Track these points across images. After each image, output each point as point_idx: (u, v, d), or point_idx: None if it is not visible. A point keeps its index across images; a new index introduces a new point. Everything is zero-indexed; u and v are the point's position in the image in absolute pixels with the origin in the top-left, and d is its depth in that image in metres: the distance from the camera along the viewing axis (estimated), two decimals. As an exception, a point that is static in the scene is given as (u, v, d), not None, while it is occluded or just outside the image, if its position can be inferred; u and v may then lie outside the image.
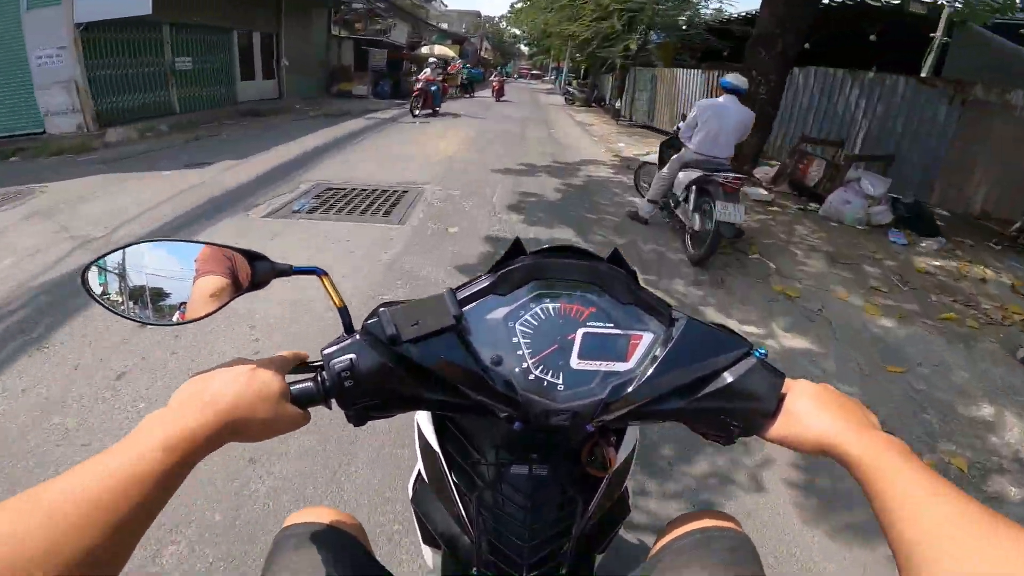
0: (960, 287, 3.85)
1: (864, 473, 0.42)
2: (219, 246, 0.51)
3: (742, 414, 0.51)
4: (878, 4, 7.32)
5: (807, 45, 6.39)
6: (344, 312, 0.54)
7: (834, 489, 1.82)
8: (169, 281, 0.51)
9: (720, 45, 11.76)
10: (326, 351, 0.51)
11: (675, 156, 4.32)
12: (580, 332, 0.53)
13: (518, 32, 26.12)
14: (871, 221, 5.13)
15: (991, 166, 5.72)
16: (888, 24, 7.68)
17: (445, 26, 35.85)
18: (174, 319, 0.51)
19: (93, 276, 0.50)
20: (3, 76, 6.66)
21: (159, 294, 0.51)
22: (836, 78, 7.29)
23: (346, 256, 3.60)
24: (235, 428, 0.44)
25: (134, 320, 0.51)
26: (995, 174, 5.74)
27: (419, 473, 0.74)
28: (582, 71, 26.91)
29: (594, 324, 0.54)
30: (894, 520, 0.38)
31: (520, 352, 0.53)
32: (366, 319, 0.52)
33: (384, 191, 5.28)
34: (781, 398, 0.51)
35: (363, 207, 4.75)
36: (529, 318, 0.54)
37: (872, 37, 7.84)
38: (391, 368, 0.50)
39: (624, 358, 0.53)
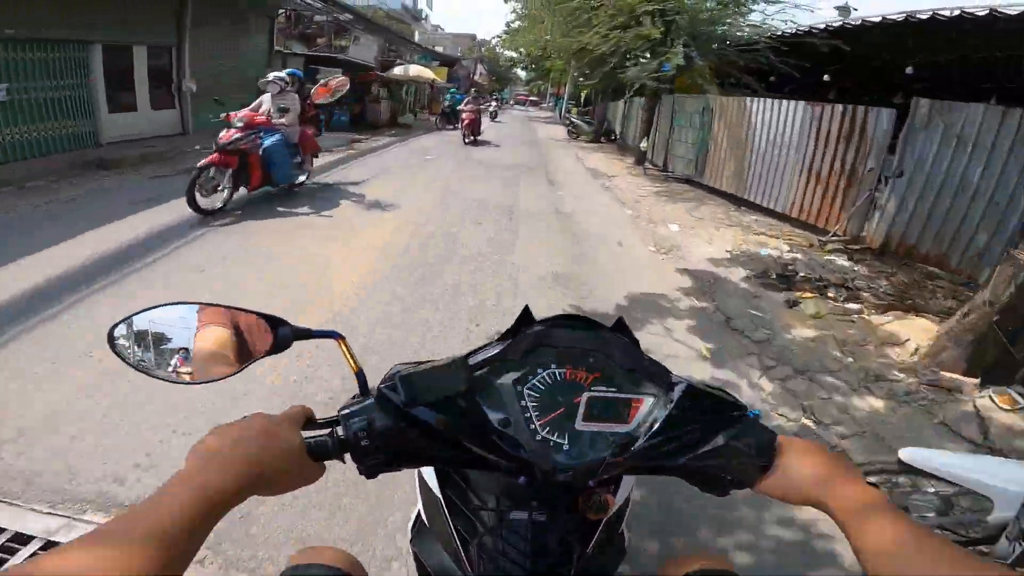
0: None
1: (845, 522, 0.46)
2: (243, 311, 0.56)
3: (737, 470, 0.55)
4: None
5: None
6: (360, 375, 0.57)
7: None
8: (192, 342, 0.55)
9: (786, 67, 8.14)
10: (344, 411, 0.54)
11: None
12: (585, 396, 0.57)
13: (515, 55, 22.50)
14: None
15: None
16: None
17: (441, 49, 32.78)
18: (204, 378, 0.55)
19: (121, 333, 0.54)
20: None
21: (180, 352, 0.55)
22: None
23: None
24: (258, 483, 0.45)
25: (159, 378, 0.55)
26: None
27: (419, 514, 0.77)
28: (582, 98, 23.12)
29: (598, 388, 0.57)
30: (873, 563, 0.42)
31: (528, 415, 0.56)
32: (381, 382, 0.55)
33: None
34: (773, 454, 0.54)
35: None
36: (537, 382, 0.57)
37: None
38: (405, 429, 0.53)
39: (626, 420, 0.57)
